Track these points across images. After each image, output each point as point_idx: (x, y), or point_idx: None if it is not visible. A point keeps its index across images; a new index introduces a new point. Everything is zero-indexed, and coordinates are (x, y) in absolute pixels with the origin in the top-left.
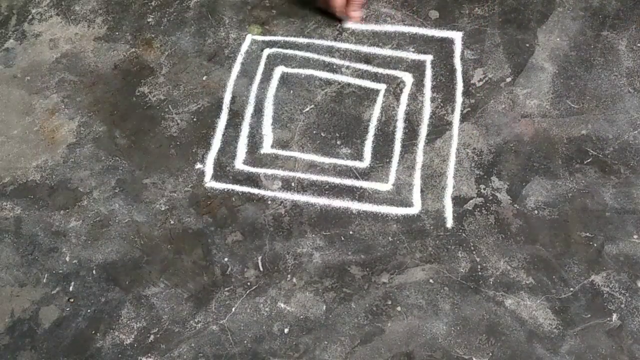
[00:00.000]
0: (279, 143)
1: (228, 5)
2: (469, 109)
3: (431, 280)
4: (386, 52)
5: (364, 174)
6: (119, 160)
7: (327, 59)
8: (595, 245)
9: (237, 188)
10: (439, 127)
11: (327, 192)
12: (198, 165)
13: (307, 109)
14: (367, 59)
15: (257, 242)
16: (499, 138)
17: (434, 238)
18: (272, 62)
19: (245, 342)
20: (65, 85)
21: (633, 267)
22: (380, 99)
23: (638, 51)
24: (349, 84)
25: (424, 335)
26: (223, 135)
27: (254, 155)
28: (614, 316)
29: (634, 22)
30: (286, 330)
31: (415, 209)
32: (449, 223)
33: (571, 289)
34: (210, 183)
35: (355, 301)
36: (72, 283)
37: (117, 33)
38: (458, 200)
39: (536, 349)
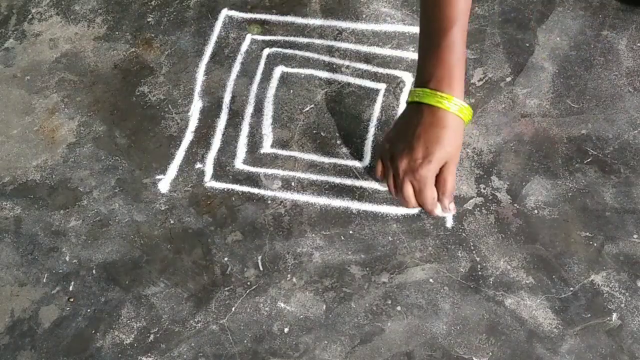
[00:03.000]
0: (279, 143)
1: (228, 5)
2: None
3: (431, 280)
4: (386, 51)
5: (364, 174)
6: (119, 160)
7: (327, 58)
8: (595, 244)
9: (237, 188)
10: None
11: (327, 191)
12: (198, 165)
13: (307, 109)
14: (367, 58)
15: (257, 241)
16: (498, 137)
17: (434, 238)
18: (272, 61)
19: (245, 341)
20: (65, 84)
21: (633, 267)
22: (380, 99)
23: (638, 51)
24: (349, 84)
25: (424, 335)
26: (223, 134)
27: (254, 154)
28: (614, 316)
29: (634, 22)
30: (286, 330)
31: (415, 208)
32: (449, 222)
33: (571, 288)
34: (210, 183)
35: (355, 301)
36: (72, 283)
37: (117, 33)
38: (458, 200)
39: (536, 348)
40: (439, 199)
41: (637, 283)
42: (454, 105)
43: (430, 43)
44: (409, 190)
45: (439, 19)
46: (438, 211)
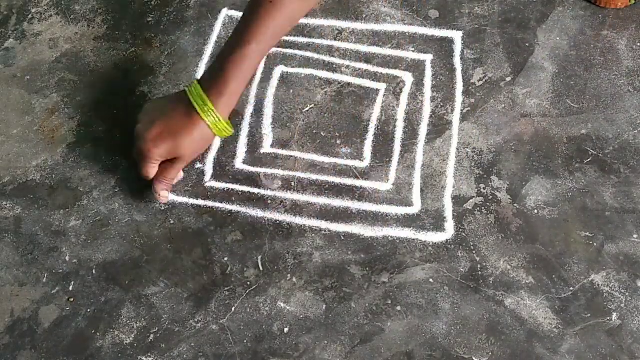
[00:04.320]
0: (279, 142)
1: (228, 5)
2: (468, 108)
3: (431, 280)
4: (386, 51)
5: (363, 174)
6: (119, 160)
7: (327, 58)
8: (595, 244)
9: (237, 188)
10: (439, 127)
11: (327, 191)
12: (198, 165)
13: (307, 109)
14: (367, 58)
15: (257, 241)
16: (499, 137)
17: (434, 237)
18: (272, 61)
19: (245, 341)
20: (65, 84)
21: (633, 267)
22: (380, 99)
23: (638, 51)
24: (348, 84)
25: (424, 335)
26: None
27: (254, 154)
28: (614, 316)
29: (634, 21)
30: (286, 330)
31: (415, 208)
32: (449, 222)
33: (571, 288)
34: (210, 183)
35: (355, 301)
36: (72, 282)
37: (117, 32)
38: (458, 200)
39: (536, 348)
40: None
41: (637, 283)
42: (213, 117)
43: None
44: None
45: (248, 28)
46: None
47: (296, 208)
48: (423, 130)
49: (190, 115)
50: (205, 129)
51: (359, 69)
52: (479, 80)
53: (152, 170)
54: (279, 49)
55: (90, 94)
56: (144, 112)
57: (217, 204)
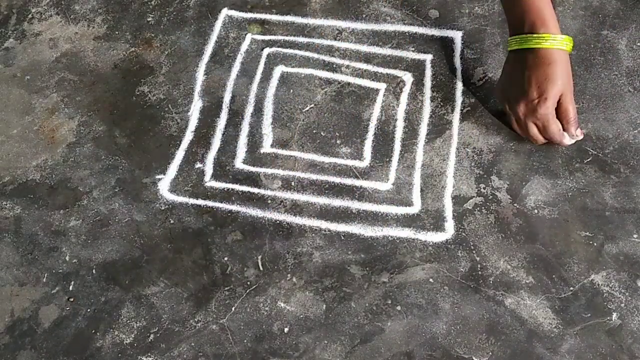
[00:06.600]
0: (279, 142)
1: (228, 5)
2: (469, 108)
3: (431, 280)
4: (386, 51)
5: (363, 174)
6: (119, 160)
7: (327, 58)
8: (595, 244)
9: (237, 187)
10: (439, 127)
11: (327, 191)
12: (198, 165)
13: (307, 108)
14: (367, 58)
15: (257, 241)
16: (498, 137)
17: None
18: (272, 61)
19: (245, 341)
20: (65, 84)
21: (633, 267)
22: (380, 99)
23: (638, 50)
24: (348, 83)
25: (424, 335)
26: (223, 134)
27: (254, 154)
28: (614, 315)
29: (634, 21)
30: (286, 330)
31: (415, 208)
32: (449, 222)
33: (571, 288)
34: (210, 182)
35: (355, 300)
36: (72, 282)
37: (116, 32)
38: (458, 200)
39: (536, 348)
40: (564, 129)
41: (637, 283)
42: (553, 41)
43: None
44: (533, 130)
45: None
46: (567, 140)
47: (296, 208)
48: (423, 130)
49: (540, 57)
50: (559, 54)
51: (359, 69)
52: (479, 80)
53: (558, 124)
54: (279, 49)
55: (90, 94)
56: (507, 101)
57: (217, 204)
